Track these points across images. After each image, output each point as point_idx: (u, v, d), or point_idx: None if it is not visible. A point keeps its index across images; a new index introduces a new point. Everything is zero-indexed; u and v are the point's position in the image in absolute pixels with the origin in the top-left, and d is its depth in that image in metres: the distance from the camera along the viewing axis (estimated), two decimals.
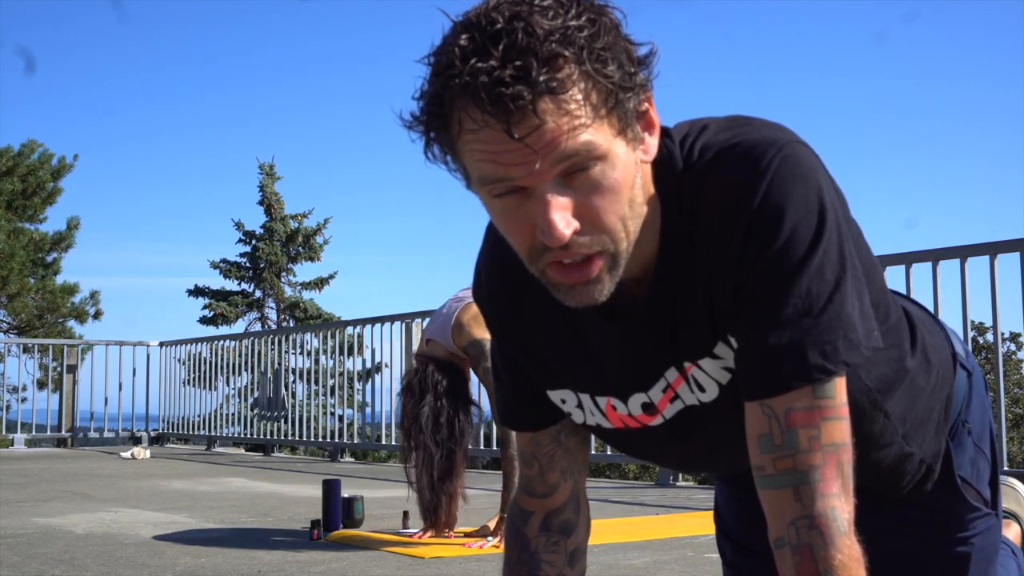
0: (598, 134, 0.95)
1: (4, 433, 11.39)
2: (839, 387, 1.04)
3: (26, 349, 14.66)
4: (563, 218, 0.96)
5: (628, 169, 0.99)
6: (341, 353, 9.88)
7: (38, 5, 55.89)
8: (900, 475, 1.29)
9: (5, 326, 21.05)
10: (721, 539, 1.52)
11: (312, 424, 9.87)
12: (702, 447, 1.23)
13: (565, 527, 1.29)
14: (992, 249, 5.02)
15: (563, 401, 1.25)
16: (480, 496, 5.75)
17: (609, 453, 6.76)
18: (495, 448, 7.28)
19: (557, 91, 0.92)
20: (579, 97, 0.94)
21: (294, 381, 11.01)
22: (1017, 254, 4.95)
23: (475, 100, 0.92)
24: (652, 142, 1.04)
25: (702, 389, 1.14)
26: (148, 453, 9.69)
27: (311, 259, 24.77)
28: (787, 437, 1.02)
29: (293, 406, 10.17)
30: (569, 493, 1.29)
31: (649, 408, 1.19)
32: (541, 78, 0.91)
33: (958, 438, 1.34)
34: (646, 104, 1.02)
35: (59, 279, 21.74)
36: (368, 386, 9.49)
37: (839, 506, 1.02)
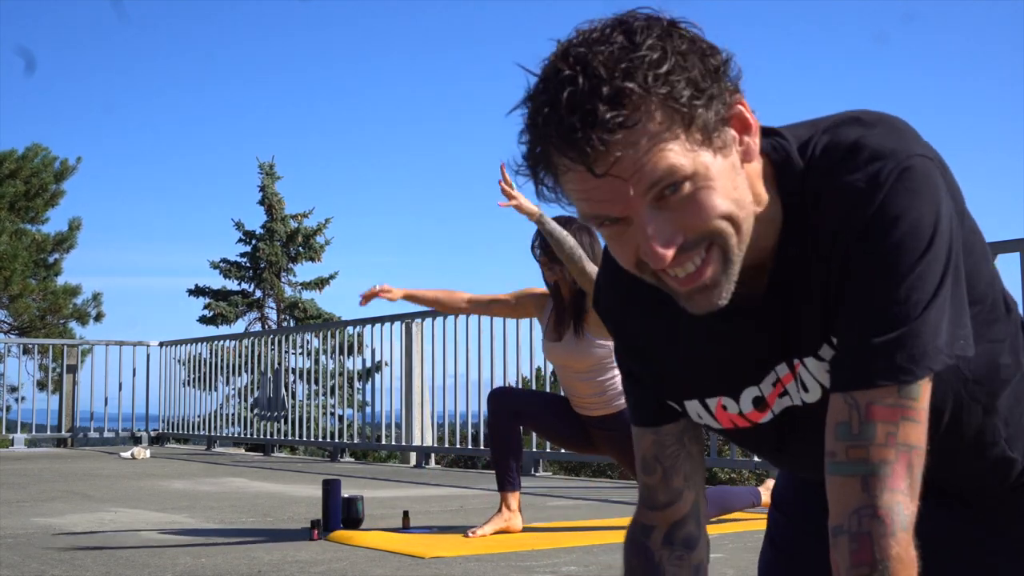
0: (679, 155, 1.00)
1: (4, 433, 11.39)
2: (924, 391, 1.06)
3: (26, 350, 14.69)
4: (663, 241, 1.02)
5: (723, 176, 1.04)
6: (341, 353, 9.89)
7: (39, 6, 55.97)
8: (1000, 478, 1.27)
9: (6, 327, 21.06)
10: (775, 514, 1.54)
11: (312, 424, 9.87)
12: (797, 449, 1.25)
13: (689, 541, 1.29)
14: (992, 249, 5.02)
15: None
16: (480, 496, 5.75)
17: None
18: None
19: (627, 125, 0.97)
20: (651, 125, 0.98)
21: (294, 381, 11.01)
22: (1017, 254, 4.95)
23: (556, 148, 1.00)
24: (752, 142, 1.07)
25: (806, 389, 1.17)
26: (148, 453, 9.69)
27: (311, 259, 24.75)
28: (864, 428, 1.05)
29: (293, 406, 10.16)
30: (692, 504, 1.29)
31: (760, 403, 1.22)
32: (607, 116, 0.97)
33: None
34: (735, 108, 1.05)
35: (60, 280, 21.76)
36: (368, 386, 9.49)
37: (904, 502, 1.04)
